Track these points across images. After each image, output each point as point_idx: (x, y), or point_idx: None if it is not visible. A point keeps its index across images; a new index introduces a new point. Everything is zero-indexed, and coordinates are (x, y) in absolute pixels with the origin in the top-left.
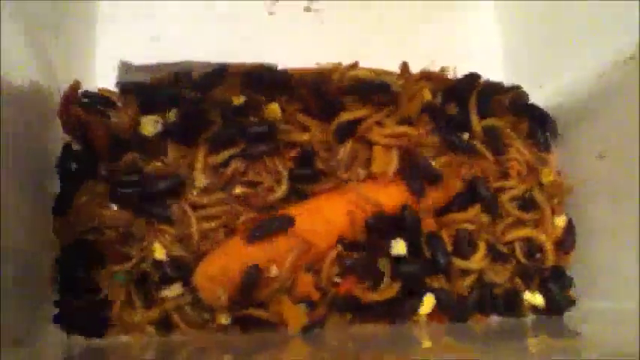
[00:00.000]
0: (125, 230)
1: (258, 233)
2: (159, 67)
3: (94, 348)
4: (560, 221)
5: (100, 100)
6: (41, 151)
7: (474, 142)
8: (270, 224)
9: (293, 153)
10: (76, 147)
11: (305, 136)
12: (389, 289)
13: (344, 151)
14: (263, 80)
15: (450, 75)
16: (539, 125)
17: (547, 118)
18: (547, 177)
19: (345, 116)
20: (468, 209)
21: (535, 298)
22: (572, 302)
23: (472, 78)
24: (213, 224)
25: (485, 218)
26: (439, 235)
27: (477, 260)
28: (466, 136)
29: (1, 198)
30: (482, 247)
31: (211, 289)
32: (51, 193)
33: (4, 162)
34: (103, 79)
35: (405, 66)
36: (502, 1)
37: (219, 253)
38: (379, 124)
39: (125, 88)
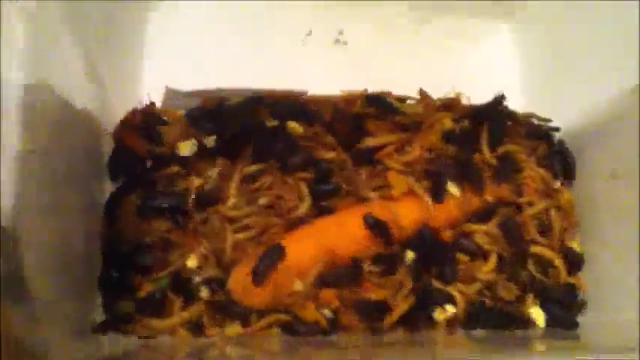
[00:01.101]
0: (164, 238)
1: (259, 277)
2: (202, 93)
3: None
4: (575, 245)
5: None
6: (97, 161)
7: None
8: (264, 265)
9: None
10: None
11: (331, 154)
12: (405, 301)
13: (364, 172)
14: (283, 106)
15: (465, 101)
16: (558, 156)
17: (566, 152)
18: (565, 198)
19: (368, 142)
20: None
21: (539, 317)
22: (575, 324)
23: (496, 101)
24: (245, 235)
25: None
26: (449, 253)
27: (486, 270)
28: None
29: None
30: (493, 258)
31: (243, 293)
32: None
33: (67, 173)
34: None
35: (421, 92)
36: (521, 28)
37: (250, 261)
38: (399, 150)
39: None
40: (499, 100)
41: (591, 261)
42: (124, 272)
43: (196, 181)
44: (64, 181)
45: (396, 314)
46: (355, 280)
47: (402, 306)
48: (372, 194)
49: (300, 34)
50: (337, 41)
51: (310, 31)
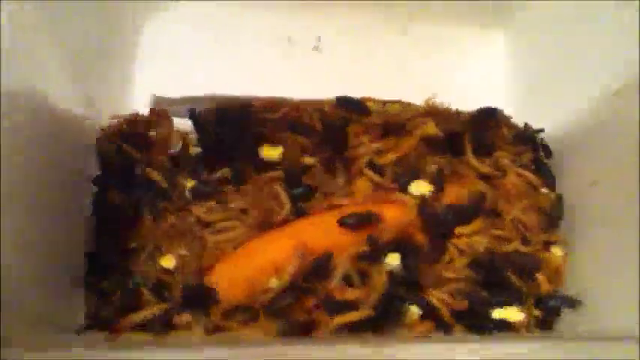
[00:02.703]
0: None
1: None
2: (189, 100)
3: None
4: (557, 251)
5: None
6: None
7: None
8: None
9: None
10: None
11: (311, 160)
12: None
13: (341, 178)
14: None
15: (449, 106)
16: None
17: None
18: (546, 200)
19: (358, 151)
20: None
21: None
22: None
23: (490, 113)
24: (223, 237)
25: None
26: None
27: (459, 266)
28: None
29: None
30: (464, 259)
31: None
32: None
33: (52, 176)
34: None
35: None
36: (511, 36)
37: (226, 262)
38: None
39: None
40: (491, 111)
41: (577, 269)
42: (104, 272)
43: (189, 183)
44: (49, 184)
45: (354, 316)
46: (324, 276)
47: (363, 312)
48: (345, 200)
49: (278, 41)
50: (316, 48)
51: (289, 38)
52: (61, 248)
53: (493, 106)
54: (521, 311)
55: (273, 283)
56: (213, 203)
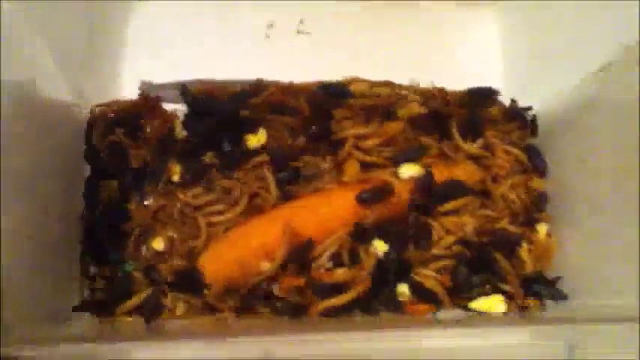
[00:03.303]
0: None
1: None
2: (176, 85)
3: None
4: (543, 229)
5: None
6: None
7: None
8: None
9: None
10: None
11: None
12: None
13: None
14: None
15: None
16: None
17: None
18: (537, 182)
19: (346, 133)
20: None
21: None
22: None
23: (486, 92)
24: (216, 219)
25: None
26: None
27: (444, 245)
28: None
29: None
30: (451, 237)
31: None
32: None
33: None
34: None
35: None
36: (501, 13)
37: (219, 244)
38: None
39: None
40: (487, 91)
41: (563, 250)
42: (98, 256)
43: (176, 167)
44: (42, 174)
45: (342, 299)
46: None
47: (350, 295)
48: (330, 185)
49: (262, 26)
50: (300, 31)
51: (272, 23)
52: (58, 235)
53: (485, 85)
54: (505, 296)
55: (265, 266)
56: (199, 189)
